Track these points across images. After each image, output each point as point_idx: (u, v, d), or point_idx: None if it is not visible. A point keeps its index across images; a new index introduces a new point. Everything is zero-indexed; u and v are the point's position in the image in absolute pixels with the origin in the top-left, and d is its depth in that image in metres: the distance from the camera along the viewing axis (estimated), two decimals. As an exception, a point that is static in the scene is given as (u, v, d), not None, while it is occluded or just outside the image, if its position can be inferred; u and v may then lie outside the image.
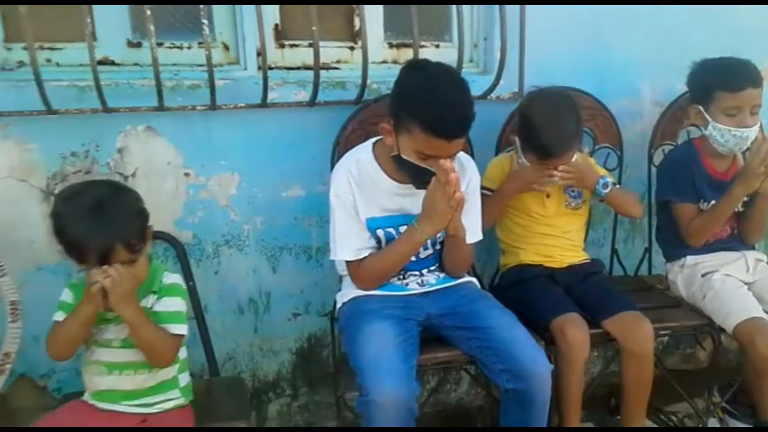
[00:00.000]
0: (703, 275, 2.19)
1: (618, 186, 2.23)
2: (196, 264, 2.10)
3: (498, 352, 1.79)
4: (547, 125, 1.99)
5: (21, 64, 1.94)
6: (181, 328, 1.59)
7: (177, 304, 1.60)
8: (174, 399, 1.63)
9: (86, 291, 1.46)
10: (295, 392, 2.39)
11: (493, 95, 2.23)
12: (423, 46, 2.25)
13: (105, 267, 1.43)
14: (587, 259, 2.27)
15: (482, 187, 2.06)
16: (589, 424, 2.36)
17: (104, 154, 1.99)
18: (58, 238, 1.47)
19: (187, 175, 2.08)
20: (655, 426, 2.40)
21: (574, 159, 2.05)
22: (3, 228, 1.94)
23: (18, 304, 1.79)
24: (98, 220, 1.43)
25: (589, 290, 2.13)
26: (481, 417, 2.39)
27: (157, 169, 2.03)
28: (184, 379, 1.68)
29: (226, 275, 2.18)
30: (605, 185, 2.11)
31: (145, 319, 1.50)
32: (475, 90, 1.90)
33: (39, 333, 1.81)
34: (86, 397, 1.62)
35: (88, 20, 1.75)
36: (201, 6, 1.86)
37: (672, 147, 2.42)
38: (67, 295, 1.56)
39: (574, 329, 1.95)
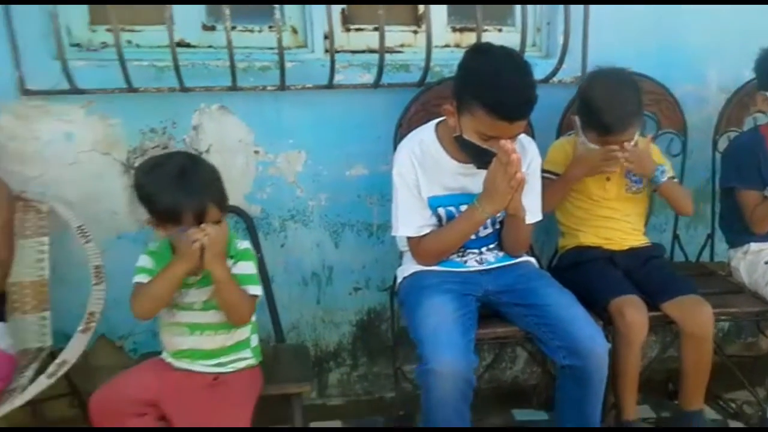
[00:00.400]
0: (766, 262, 2.17)
1: (675, 179, 2.22)
2: (264, 237, 2.20)
3: (555, 329, 1.83)
4: (608, 102, 1.99)
5: (104, 45, 2.07)
6: (257, 289, 1.68)
7: (250, 267, 1.69)
8: (246, 359, 1.73)
9: (182, 251, 1.54)
10: (355, 362, 2.48)
11: (555, 79, 2.25)
12: (486, 31, 2.28)
13: (203, 225, 1.52)
14: (648, 243, 2.26)
15: (543, 171, 2.08)
16: (645, 407, 2.37)
17: (180, 130, 2.10)
18: (150, 206, 1.56)
19: (256, 152, 2.17)
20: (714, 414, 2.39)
21: (634, 142, 2.05)
22: (87, 199, 2.08)
23: (101, 268, 1.91)
24: (188, 183, 1.53)
25: (649, 273, 2.13)
26: (536, 395, 2.44)
27: (229, 146, 2.13)
28: (255, 340, 1.77)
29: (291, 249, 2.28)
30: (663, 173, 2.11)
31: (231, 278, 1.60)
32: (538, 74, 1.93)
33: (118, 297, 1.94)
34: (164, 356, 1.73)
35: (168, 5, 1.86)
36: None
37: (737, 133, 2.38)
38: (146, 261, 1.66)
39: (633, 310, 1.96)
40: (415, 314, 1.84)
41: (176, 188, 1.52)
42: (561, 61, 2.19)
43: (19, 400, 1.72)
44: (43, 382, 1.75)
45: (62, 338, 2.01)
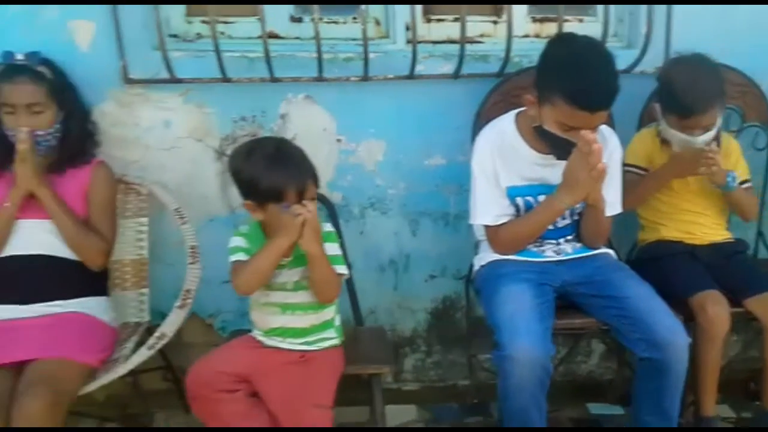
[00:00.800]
0: None
1: (748, 184, 2.19)
2: (345, 224, 2.27)
3: (635, 321, 1.82)
4: (689, 83, 1.97)
5: (199, 36, 2.19)
6: (343, 269, 1.76)
7: (336, 248, 1.76)
8: (330, 338, 1.80)
9: (286, 226, 1.61)
10: (430, 349, 2.53)
11: (637, 69, 2.22)
12: (567, 21, 2.27)
13: (304, 202, 1.61)
14: (731, 239, 2.22)
15: (624, 163, 2.07)
16: (725, 407, 2.32)
17: (269, 119, 2.20)
18: (252, 188, 1.64)
19: (339, 141, 2.25)
20: None
21: (715, 130, 2.01)
22: (182, 183, 2.21)
23: (197, 248, 2.03)
24: (288, 161, 1.63)
25: (731, 269, 2.09)
26: (612, 390, 2.42)
27: (314, 134, 2.22)
28: (338, 320, 1.85)
29: (370, 236, 2.35)
30: (734, 179, 2.08)
31: (325, 255, 1.68)
32: (619, 64, 1.90)
33: (208, 277, 2.07)
34: (254, 333, 1.83)
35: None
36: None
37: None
38: (240, 241, 1.75)
39: (715, 305, 1.93)
40: (493, 301, 1.87)
41: (278, 167, 1.61)
42: (643, 52, 2.17)
43: (122, 369, 1.85)
44: (144, 353, 1.88)
45: (157, 315, 2.15)
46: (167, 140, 2.17)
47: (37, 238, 1.92)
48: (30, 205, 1.90)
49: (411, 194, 2.34)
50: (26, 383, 1.68)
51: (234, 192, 2.22)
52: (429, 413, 2.40)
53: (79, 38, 2.04)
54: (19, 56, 1.87)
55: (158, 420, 2.34)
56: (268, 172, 1.61)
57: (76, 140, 1.97)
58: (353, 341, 1.96)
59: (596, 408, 2.40)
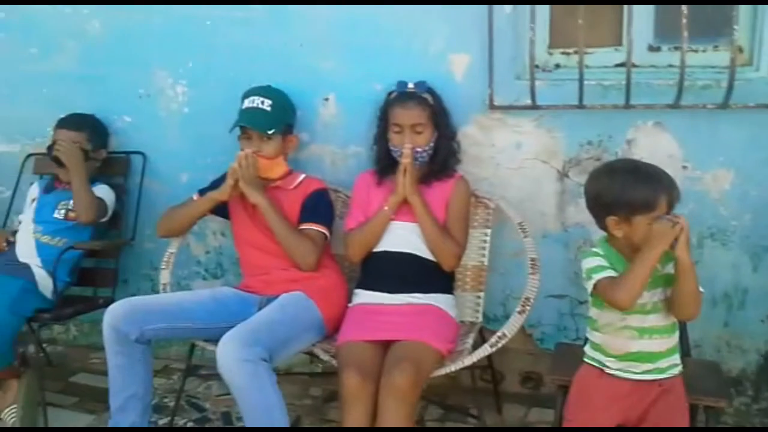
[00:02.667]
0: None
1: None
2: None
3: None
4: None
5: (557, 66, 2.35)
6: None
7: None
8: (677, 365, 1.79)
9: (660, 235, 1.64)
10: (757, 394, 2.38)
11: None
12: None
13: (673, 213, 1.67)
14: None
15: None
16: None
17: (614, 144, 2.28)
18: (619, 202, 1.69)
19: (684, 167, 2.24)
20: None
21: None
22: (524, 199, 2.39)
23: (537, 260, 2.18)
24: (654, 176, 1.69)
25: None
26: None
27: (658, 160, 2.19)
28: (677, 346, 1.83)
29: (705, 266, 2.28)
30: None
31: (694, 266, 1.68)
32: None
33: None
34: (597, 357, 1.82)
35: (626, 28, 2.04)
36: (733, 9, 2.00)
37: None
38: (599, 261, 1.76)
39: None
40: None
41: (647, 179, 1.68)
42: None
43: (467, 360, 2.06)
44: (485, 350, 2.07)
45: (485, 318, 2.36)
46: (516, 160, 2.37)
47: (406, 238, 2.22)
48: (402, 210, 2.22)
49: (756, 227, 2.23)
50: (394, 359, 1.95)
51: (570, 211, 2.37)
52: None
53: (455, 69, 2.33)
54: (410, 85, 2.22)
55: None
56: (639, 184, 1.67)
57: (443, 157, 2.25)
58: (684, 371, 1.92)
59: None
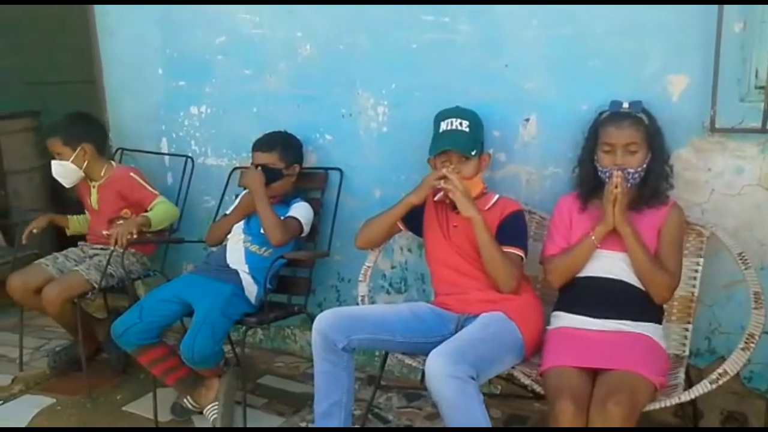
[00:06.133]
0: None
1: None
2: None
3: None
4: None
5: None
6: None
7: None
8: None
9: None
10: None
11: None
12: None
13: None
14: None
15: None
16: None
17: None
18: None
19: None
20: None
21: None
22: (741, 227, 2.25)
23: (761, 294, 2.04)
24: None
25: None
26: None
27: None
28: None
29: None
30: None
31: None
32: None
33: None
34: None
35: None
36: None
37: None
38: None
39: None
40: None
41: None
42: None
43: (685, 396, 1.96)
44: (705, 386, 1.95)
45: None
46: (735, 186, 2.24)
47: (614, 265, 2.15)
48: (610, 239, 2.14)
49: None
50: (608, 390, 1.89)
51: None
52: None
53: (672, 90, 2.25)
54: (625, 104, 2.17)
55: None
56: None
57: (655, 181, 2.16)
58: None
59: None
